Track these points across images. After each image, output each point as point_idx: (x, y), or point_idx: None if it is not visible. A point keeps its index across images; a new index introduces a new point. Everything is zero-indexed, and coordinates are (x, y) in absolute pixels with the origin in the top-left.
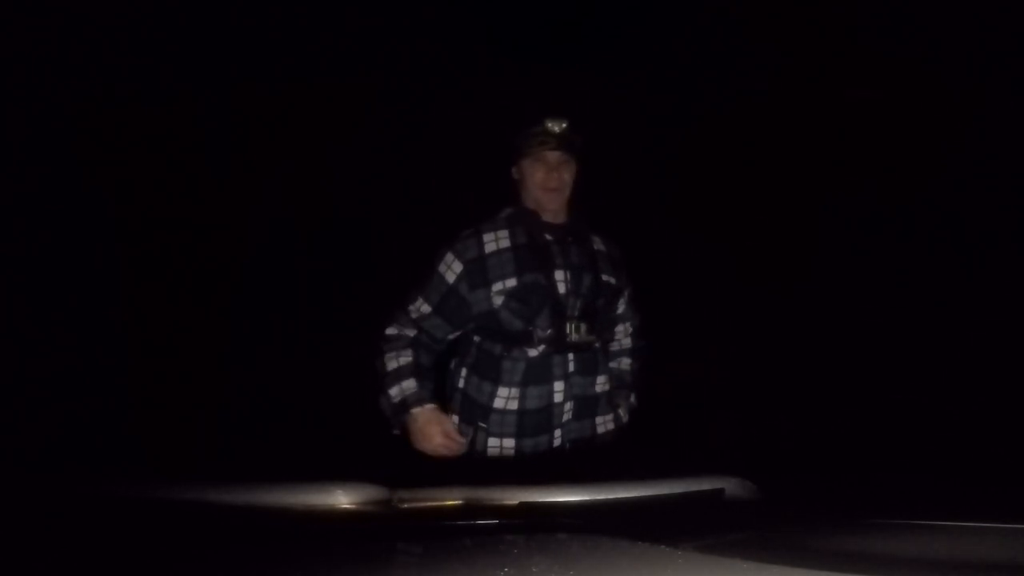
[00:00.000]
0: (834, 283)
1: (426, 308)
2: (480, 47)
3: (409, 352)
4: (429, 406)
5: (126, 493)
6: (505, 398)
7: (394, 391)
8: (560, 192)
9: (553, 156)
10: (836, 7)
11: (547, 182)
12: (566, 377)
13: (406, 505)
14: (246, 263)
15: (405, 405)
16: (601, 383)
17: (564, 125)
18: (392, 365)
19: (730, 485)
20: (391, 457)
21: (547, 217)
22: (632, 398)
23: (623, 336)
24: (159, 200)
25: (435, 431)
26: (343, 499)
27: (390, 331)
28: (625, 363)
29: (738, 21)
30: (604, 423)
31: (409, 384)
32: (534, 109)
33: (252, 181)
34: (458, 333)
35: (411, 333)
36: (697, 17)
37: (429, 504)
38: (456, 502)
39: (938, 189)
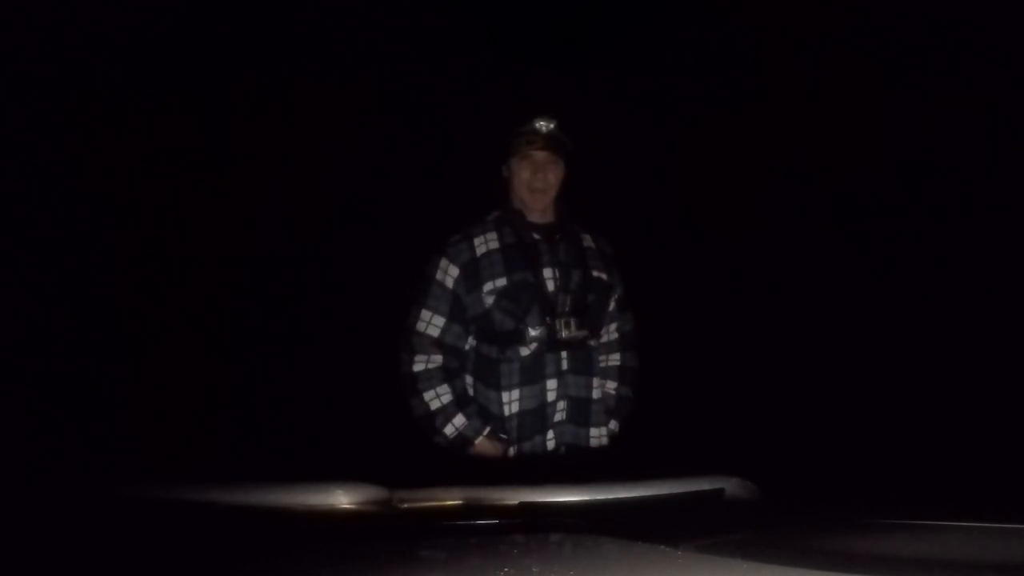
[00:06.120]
0: (835, 283)
1: (439, 319)
2: (481, 48)
3: (446, 387)
4: (485, 431)
5: (126, 493)
6: (508, 403)
7: (449, 430)
8: (545, 193)
9: (540, 156)
10: (836, 7)
11: (532, 182)
12: (559, 375)
13: (406, 505)
14: (246, 263)
15: (465, 440)
16: (596, 385)
17: (552, 125)
18: (436, 405)
19: (730, 485)
20: (391, 457)
21: (533, 217)
22: (613, 424)
23: (612, 350)
24: (159, 200)
25: (496, 451)
26: (343, 499)
27: (418, 367)
28: (610, 386)
29: (737, 21)
30: (599, 436)
31: (460, 420)
32: (526, 108)
33: (252, 181)
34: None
35: (439, 360)
36: (696, 18)
37: (429, 504)
38: (456, 502)
39: (938, 189)
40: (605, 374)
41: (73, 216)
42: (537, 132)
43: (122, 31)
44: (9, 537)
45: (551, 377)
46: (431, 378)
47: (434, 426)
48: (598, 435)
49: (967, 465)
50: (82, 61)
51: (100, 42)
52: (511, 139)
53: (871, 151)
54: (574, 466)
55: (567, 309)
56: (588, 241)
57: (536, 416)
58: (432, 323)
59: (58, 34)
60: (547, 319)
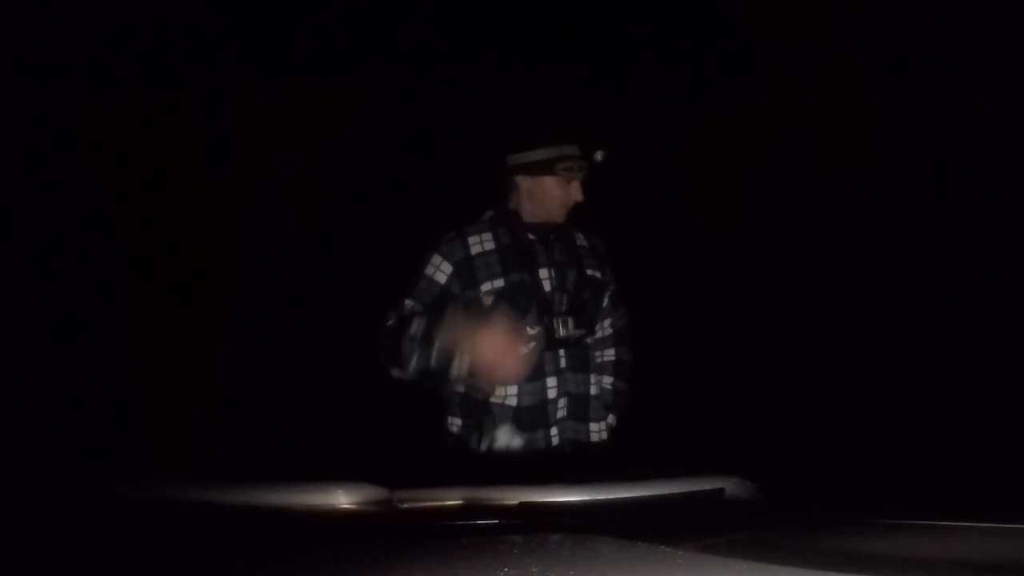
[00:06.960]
0: (835, 282)
1: (419, 309)
2: (481, 48)
3: (420, 318)
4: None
5: (126, 493)
6: (502, 396)
7: (444, 337)
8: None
9: (580, 180)
10: (836, 7)
11: (568, 202)
12: (558, 373)
13: (406, 505)
14: (246, 263)
15: (455, 327)
16: (594, 381)
17: (606, 156)
18: (415, 329)
19: (730, 485)
20: (391, 457)
21: (529, 218)
22: (611, 418)
23: (607, 345)
24: (159, 200)
25: (500, 330)
26: (343, 499)
27: (391, 322)
28: (607, 381)
29: (737, 21)
30: (599, 431)
31: (439, 326)
32: (565, 127)
33: (252, 181)
34: None
35: (412, 313)
36: (696, 18)
37: (429, 504)
38: (456, 502)
39: (938, 189)
40: (601, 369)
41: (73, 216)
42: (594, 162)
43: (122, 31)
44: (9, 537)
45: (551, 375)
46: (402, 321)
47: (423, 349)
48: (597, 430)
49: (967, 465)
50: (82, 61)
51: (100, 42)
52: (554, 158)
53: (870, 150)
54: (574, 466)
55: (564, 308)
56: (581, 240)
57: (537, 412)
58: (412, 311)
59: (58, 34)
60: (544, 318)
